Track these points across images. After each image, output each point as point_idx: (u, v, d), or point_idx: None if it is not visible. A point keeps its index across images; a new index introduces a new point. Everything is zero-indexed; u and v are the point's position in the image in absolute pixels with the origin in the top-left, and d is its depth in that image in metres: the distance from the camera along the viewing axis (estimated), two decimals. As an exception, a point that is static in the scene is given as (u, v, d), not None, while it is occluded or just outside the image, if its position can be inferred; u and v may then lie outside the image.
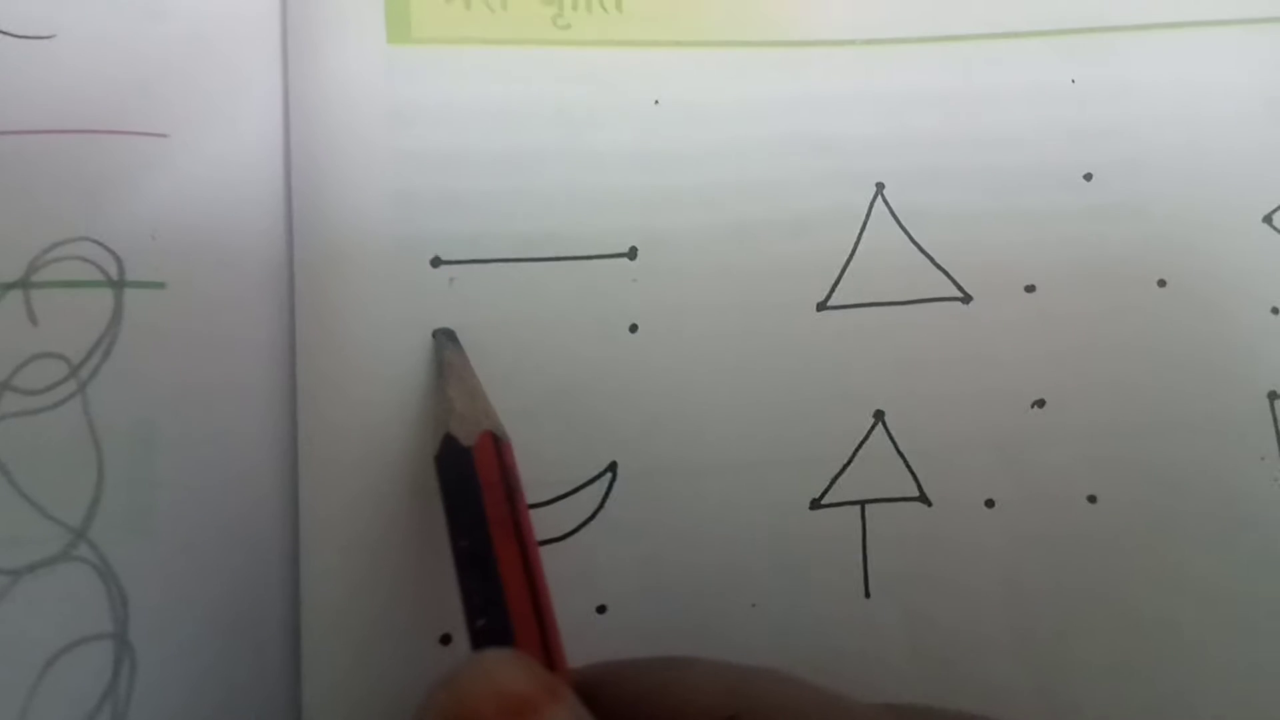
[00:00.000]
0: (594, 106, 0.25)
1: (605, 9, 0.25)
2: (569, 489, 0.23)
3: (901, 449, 0.25)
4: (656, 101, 0.25)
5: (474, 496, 0.19)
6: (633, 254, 0.24)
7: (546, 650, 0.18)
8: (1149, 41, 0.27)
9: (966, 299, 0.25)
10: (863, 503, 0.24)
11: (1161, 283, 0.26)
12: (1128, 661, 0.24)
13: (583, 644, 0.23)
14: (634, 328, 0.24)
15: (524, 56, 0.25)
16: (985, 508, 0.25)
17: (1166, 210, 0.26)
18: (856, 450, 0.24)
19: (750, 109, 0.26)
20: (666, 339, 0.24)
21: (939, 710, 0.17)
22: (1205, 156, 0.27)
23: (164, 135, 0.23)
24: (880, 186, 0.26)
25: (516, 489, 0.20)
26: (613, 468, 0.24)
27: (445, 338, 0.23)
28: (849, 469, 0.24)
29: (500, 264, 0.24)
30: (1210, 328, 0.26)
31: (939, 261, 0.25)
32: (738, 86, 0.26)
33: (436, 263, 0.23)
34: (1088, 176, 0.26)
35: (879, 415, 0.25)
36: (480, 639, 0.18)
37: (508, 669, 0.15)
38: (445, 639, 0.22)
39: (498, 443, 0.20)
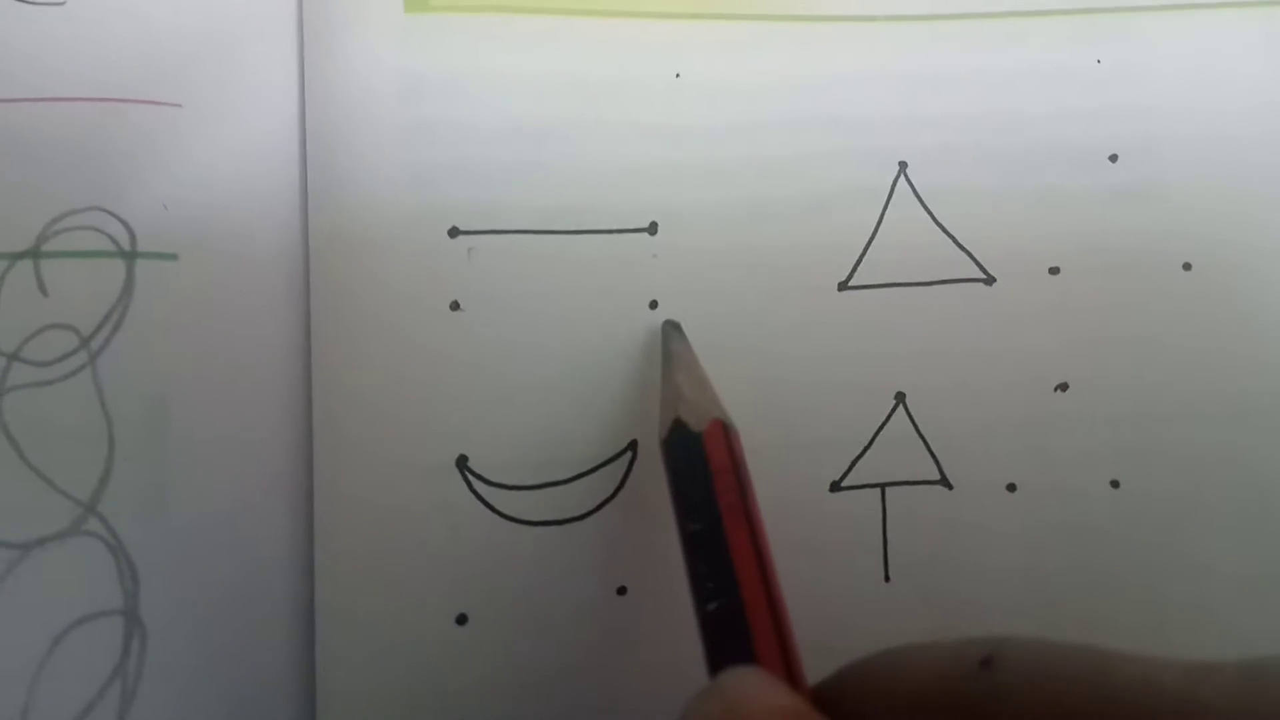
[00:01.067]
0: (614, 78, 0.24)
1: (627, -22, 0.25)
2: (588, 467, 0.23)
3: (923, 431, 0.24)
4: (677, 75, 0.25)
5: (704, 481, 0.19)
6: (653, 229, 0.24)
7: (781, 641, 0.17)
8: (1174, 22, 0.27)
9: (990, 280, 0.25)
10: (883, 485, 0.24)
11: (1187, 266, 0.25)
12: (1150, 649, 0.24)
13: (603, 626, 0.23)
14: (654, 304, 0.24)
15: (543, 26, 0.24)
16: (1007, 491, 0.24)
17: (1192, 192, 0.26)
18: (877, 432, 0.24)
19: (772, 84, 0.25)
20: (686, 317, 0.24)
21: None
22: (1231, 138, 0.26)
23: (177, 105, 0.23)
24: (903, 165, 0.25)
25: (746, 480, 0.19)
26: (633, 446, 0.23)
27: (671, 328, 0.23)
28: (869, 451, 0.24)
29: (519, 235, 0.23)
30: (1235, 311, 0.25)
31: (962, 242, 0.25)
32: (760, 60, 0.25)
33: (454, 233, 0.23)
34: (1113, 157, 0.26)
35: (900, 397, 0.24)
36: (712, 623, 0.17)
37: (769, 683, 0.15)
38: (461, 619, 0.22)
39: (728, 431, 0.20)
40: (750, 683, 0.15)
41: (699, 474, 0.19)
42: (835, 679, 0.16)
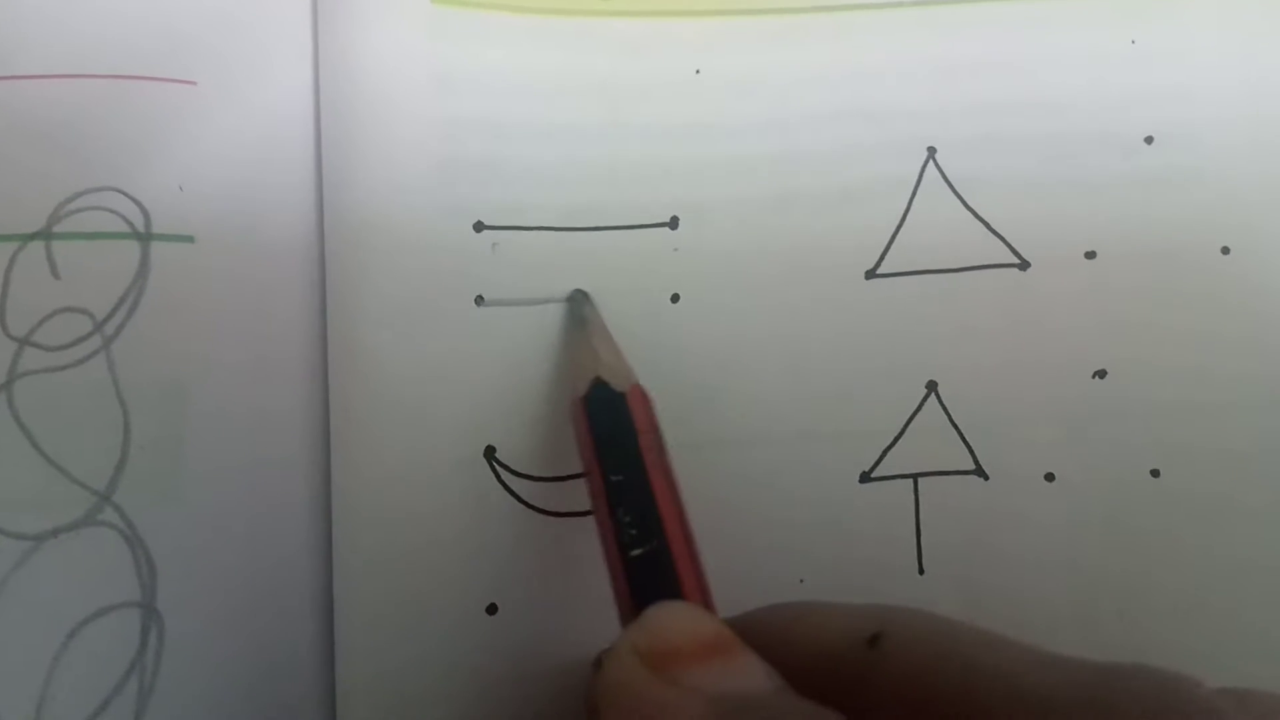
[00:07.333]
0: (634, 77, 0.24)
1: (650, -23, 0.24)
2: (613, 459, 0.22)
3: (956, 421, 0.24)
4: (697, 71, 0.24)
5: (629, 436, 0.19)
6: (674, 223, 0.24)
7: (701, 585, 0.17)
8: (1210, 1, 0.26)
9: (1024, 265, 0.24)
10: (916, 476, 0.23)
11: (1225, 250, 0.25)
12: (1190, 642, 0.23)
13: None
14: (675, 298, 0.23)
15: (569, 25, 0.24)
16: (1045, 482, 0.24)
17: (1229, 174, 0.25)
18: (909, 422, 0.24)
19: (795, 76, 0.25)
20: (709, 309, 0.23)
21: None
22: (1268, 119, 0.26)
23: (192, 83, 0.22)
24: (932, 151, 0.25)
25: (664, 444, 0.19)
26: (658, 437, 0.23)
27: (581, 296, 0.23)
28: (901, 441, 0.23)
29: (542, 232, 0.23)
30: (1275, 296, 0.25)
31: (994, 227, 0.24)
32: (781, 54, 0.25)
33: (479, 228, 0.23)
34: (1148, 140, 0.25)
35: (932, 386, 0.24)
36: (637, 569, 0.17)
37: (696, 613, 0.16)
38: (491, 609, 0.21)
39: (647, 398, 0.20)
40: (676, 614, 0.16)
41: (623, 430, 0.19)
42: (743, 620, 0.17)
